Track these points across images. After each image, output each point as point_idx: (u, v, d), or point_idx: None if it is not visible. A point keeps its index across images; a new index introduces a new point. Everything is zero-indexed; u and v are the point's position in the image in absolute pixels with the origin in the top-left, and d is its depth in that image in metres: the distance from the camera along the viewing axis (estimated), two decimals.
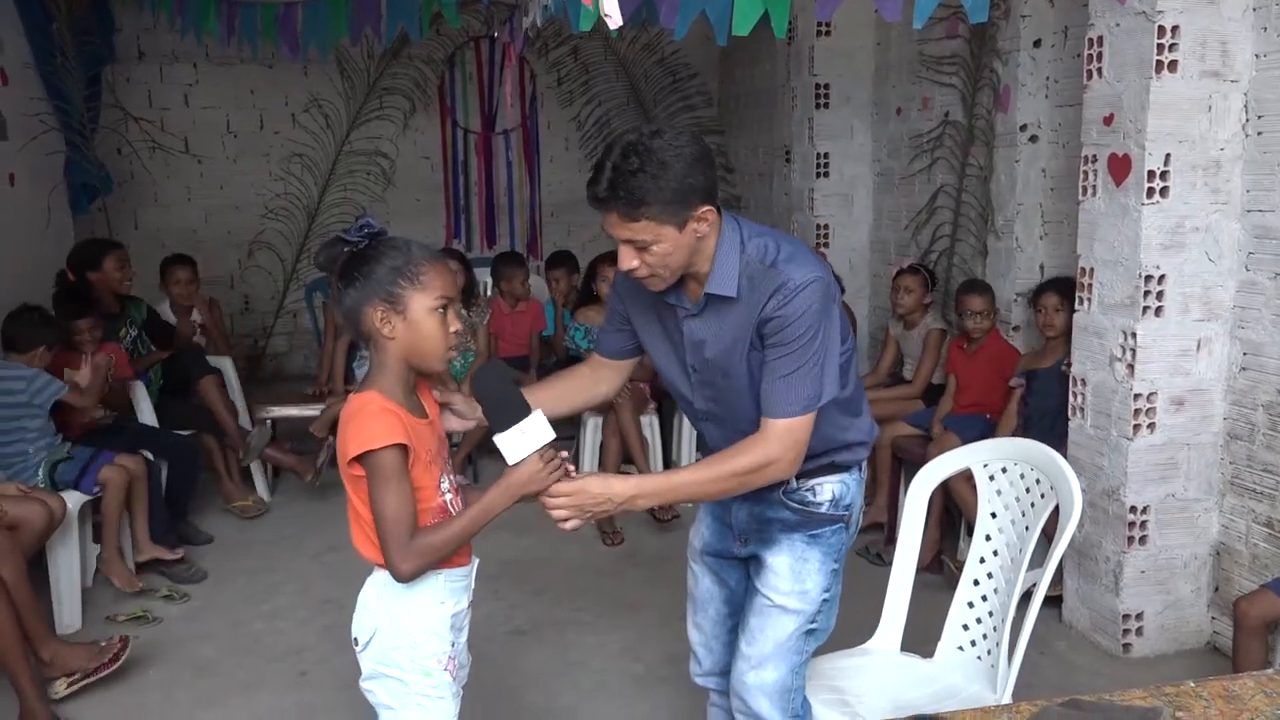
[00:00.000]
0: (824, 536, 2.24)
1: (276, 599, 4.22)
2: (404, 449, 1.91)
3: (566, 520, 2.02)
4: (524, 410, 1.94)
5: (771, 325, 2.04)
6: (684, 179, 1.96)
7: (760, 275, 2.05)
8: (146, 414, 4.91)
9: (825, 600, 2.26)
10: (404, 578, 1.94)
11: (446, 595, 2.04)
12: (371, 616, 2.03)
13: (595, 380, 2.44)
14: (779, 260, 2.05)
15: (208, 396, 5.12)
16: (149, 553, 4.34)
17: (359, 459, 1.90)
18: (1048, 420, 4.07)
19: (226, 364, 5.60)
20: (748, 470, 2.07)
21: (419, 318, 1.94)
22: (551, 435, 1.95)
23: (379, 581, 2.03)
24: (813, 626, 2.25)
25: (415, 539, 1.92)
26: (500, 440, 1.93)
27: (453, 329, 1.98)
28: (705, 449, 2.35)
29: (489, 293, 6.20)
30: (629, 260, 2.03)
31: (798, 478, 2.19)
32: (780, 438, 2.05)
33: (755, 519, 2.28)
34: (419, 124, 7.97)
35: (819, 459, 2.19)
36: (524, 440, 1.93)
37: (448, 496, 2.03)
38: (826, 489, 2.24)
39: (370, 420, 1.90)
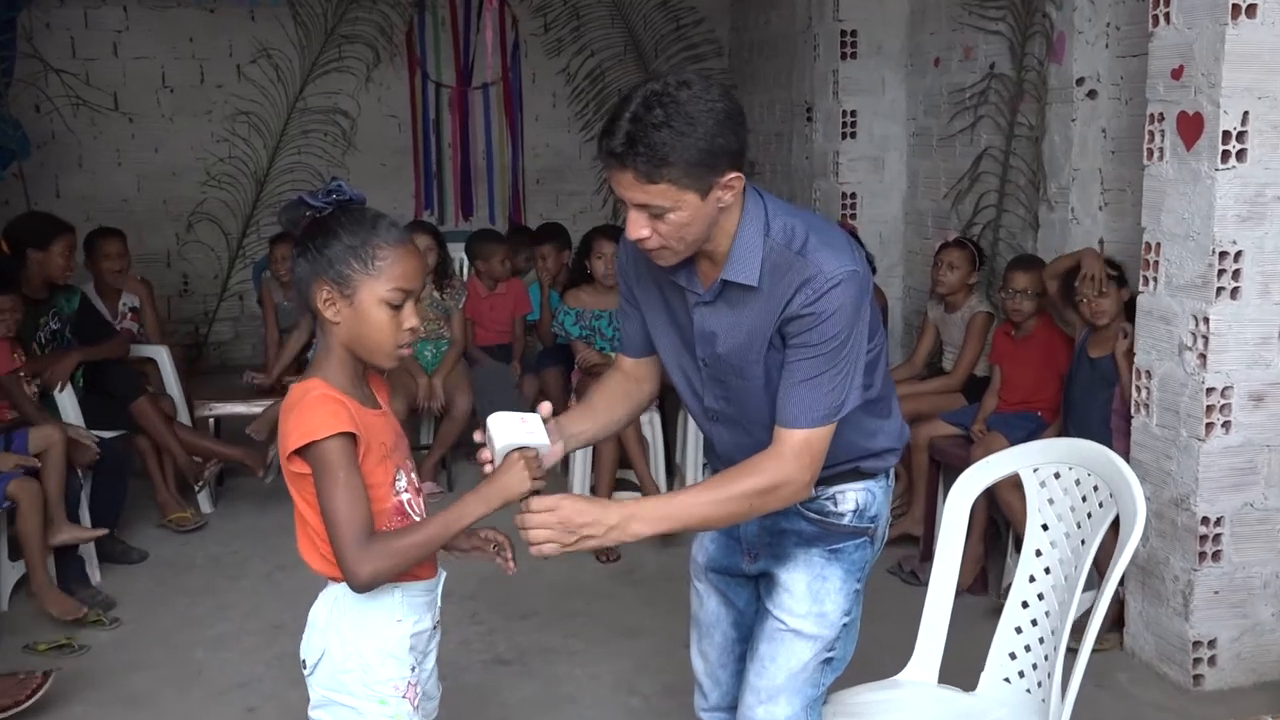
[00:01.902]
0: (846, 551, 2.25)
1: (221, 624, 4.23)
2: (352, 439, 1.92)
3: (544, 544, 1.95)
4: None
5: (797, 324, 2.03)
6: (714, 138, 1.94)
7: (786, 263, 2.04)
8: (72, 416, 4.89)
9: (845, 625, 2.26)
10: (361, 584, 1.94)
11: (405, 612, 2.05)
12: (320, 635, 2.04)
13: (638, 381, 2.38)
14: (809, 247, 2.04)
15: (144, 421, 5.08)
16: (65, 534, 4.29)
17: (301, 452, 1.92)
18: (1092, 419, 4.06)
19: (162, 354, 5.59)
20: (758, 491, 2.05)
21: (367, 307, 1.96)
22: (547, 443, 2.01)
23: (330, 596, 2.05)
24: (830, 655, 2.26)
25: (374, 541, 1.92)
26: (492, 420, 1.96)
27: (407, 325, 1.98)
28: (712, 454, 2.35)
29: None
30: (639, 228, 2.01)
31: (816, 485, 2.17)
32: (796, 453, 2.04)
33: (767, 531, 2.28)
34: (384, 77, 7.97)
35: (841, 465, 2.19)
36: (521, 428, 1.96)
37: (405, 496, 2.04)
38: (849, 498, 2.24)
39: (312, 409, 1.92)
